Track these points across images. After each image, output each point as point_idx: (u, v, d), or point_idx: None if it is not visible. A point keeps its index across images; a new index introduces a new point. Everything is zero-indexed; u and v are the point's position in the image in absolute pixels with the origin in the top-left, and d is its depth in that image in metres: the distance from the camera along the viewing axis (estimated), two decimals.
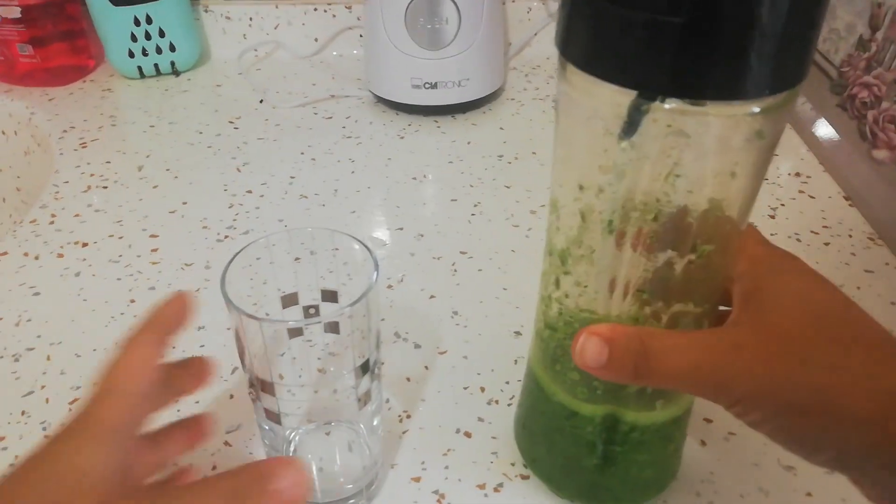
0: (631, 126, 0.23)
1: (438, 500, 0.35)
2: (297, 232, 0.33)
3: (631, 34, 0.21)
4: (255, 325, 0.28)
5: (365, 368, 0.31)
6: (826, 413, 0.23)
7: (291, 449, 0.36)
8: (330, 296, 0.34)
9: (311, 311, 0.34)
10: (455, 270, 0.51)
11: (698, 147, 0.23)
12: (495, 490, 0.36)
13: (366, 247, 0.31)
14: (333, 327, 0.30)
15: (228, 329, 0.45)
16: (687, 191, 0.25)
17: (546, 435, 0.34)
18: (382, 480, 0.36)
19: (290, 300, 0.34)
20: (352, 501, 0.35)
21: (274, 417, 0.31)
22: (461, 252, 0.53)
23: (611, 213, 0.26)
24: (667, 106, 0.22)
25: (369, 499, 0.35)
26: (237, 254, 0.31)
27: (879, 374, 0.23)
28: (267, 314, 0.33)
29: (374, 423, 0.34)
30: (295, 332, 0.32)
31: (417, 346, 0.44)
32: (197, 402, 0.40)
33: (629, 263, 0.27)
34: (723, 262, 0.27)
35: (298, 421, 0.35)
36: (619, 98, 0.23)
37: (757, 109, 0.22)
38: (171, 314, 0.30)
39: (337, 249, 0.33)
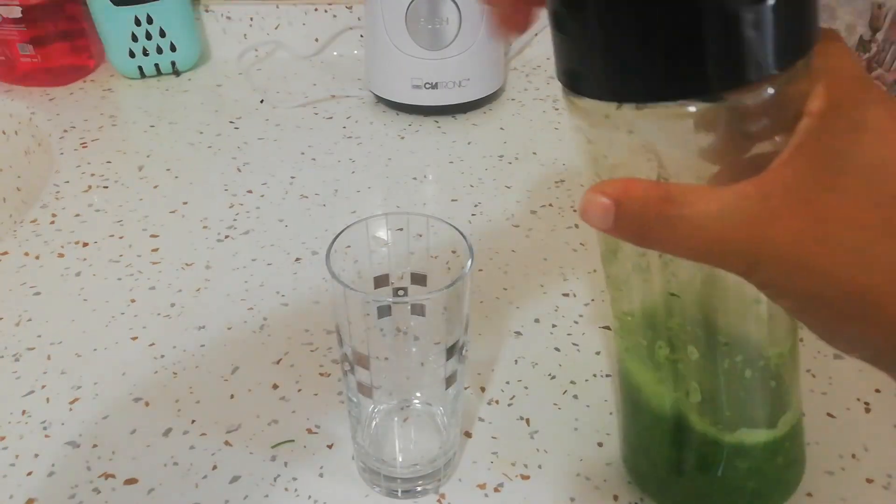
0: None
1: (439, 500, 0.35)
2: (393, 216, 0.34)
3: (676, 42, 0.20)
4: (357, 299, 0.30)
5: (452, 351, 0.32)
6: (865, 317, 0.20)
7: (374, 423, 0.37)
8: (420, 279, 0.35)
9: (400, 292, 0.35)
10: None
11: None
12: (495, 490, 0.36)
13: (461, 233, 0.33)
14: (420, 310, 0.32)
15: (229, 329, 0.45)
16: None
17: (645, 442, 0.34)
18: (457, 463, 0.37)
19: (381, 281, 0.35)
20: (426, 481, 0.36)
21: (365, 391, 0.33)
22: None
23: None
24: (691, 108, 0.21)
25: (446, 478, 0.36)
26: (339, 234, 0.32)
27: None
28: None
29: (456, 406, 0.35)
30: (384, 311, 0.33)
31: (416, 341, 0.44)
32: (197, 402, 0.40)
33: None
34: None
35: (385, 397, 0.37)
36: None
37: (771, 90, 0.21)
38: None
39: (432, 235, 0.34)
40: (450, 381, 0.33)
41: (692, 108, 0.21)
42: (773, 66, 0.20)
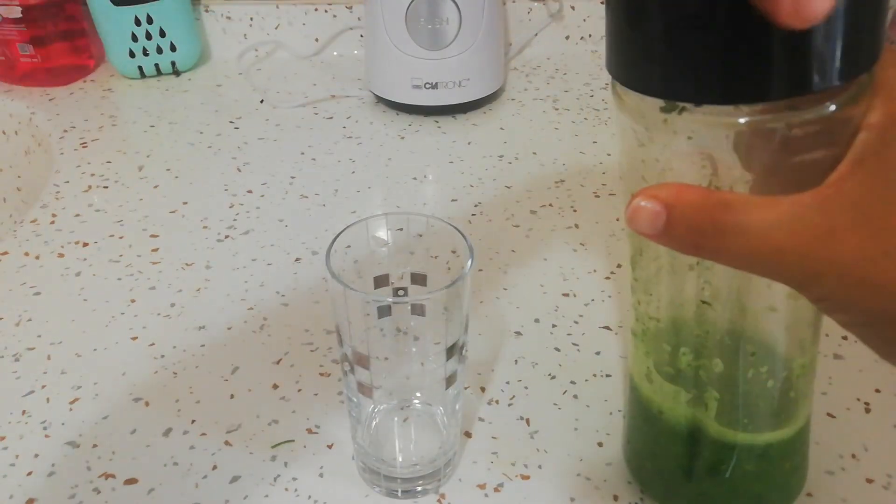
0: None
1: (439, 500, 0.35)
2: (393, 216, 0.35)
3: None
4: (357, 299, 0.30)
5: (453, 351, 0.32)
6: None
7: (374, 423, 0.37)
8: (419, 279, 0.35)
9: (400, 292, 0.36)
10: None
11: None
12: (495, 490, 0.36)
13: (461, 233, 0.33)
14: (420, 310, 0.32)
15: (229, 329, 0.45)
16: None
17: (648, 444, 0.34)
18: (457, 463, 0.37)
19: (381, 281, 0.35)
20: (426, 481, 0.36)
21: (365, 391, 0.33)
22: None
23: None
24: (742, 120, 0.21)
25: (446, 478, 0.36)
26: (339, 234, 0.33)
27: None
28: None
29: (456, 406, 0.35)
30: (384, 311, 0.33)
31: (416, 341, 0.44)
32: (197, 402, 0.40)
33: None
34: None
35: (385, 397, 0.37)
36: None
37: (833, 107, 0.20)
38: None
39: (432, 235, 0.34)
40: (450, 381, 0.33)
41: (749, 118, 0.21)
42: (837, 78, 0.20)
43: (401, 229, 0.35)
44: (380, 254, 0.35)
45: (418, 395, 0.38)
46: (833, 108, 0.20)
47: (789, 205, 0.20)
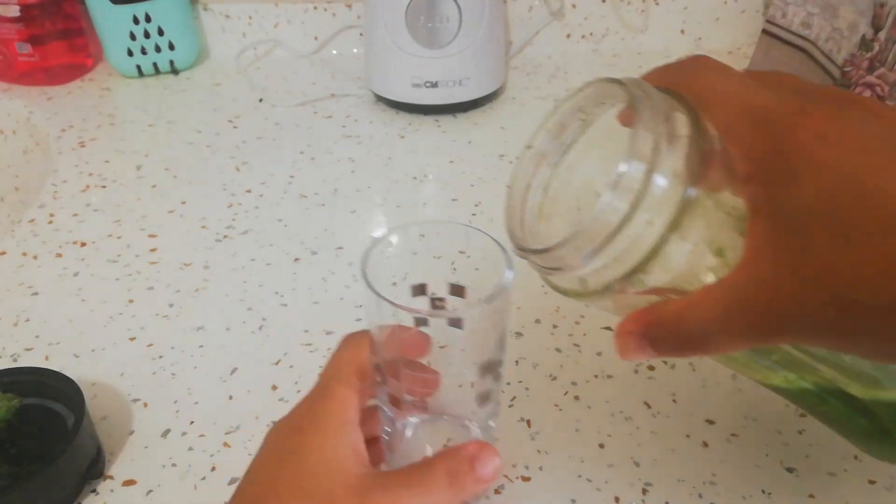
0: None
1: None
2: (432, 225, 0.34)
3: None
4: (390, 310, 0.28)
5: (487, 368, 0.31)
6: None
7: (407, 435, 0.36)
8: (457, 290, 0.34)
9: (438, 303, 0.35)
10: (454, 269, 0.51)
11: None
12: (496, 492, 0.36)
13: (501, 246, 0.32)
14: (457, 322, 0.31)
15: (228, 329, 0.45)
16: None
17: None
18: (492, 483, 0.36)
19: (419, 290, 0.34)
20: None
21: (396, 402, 0.32)
22: (460, 252, 0.52)
23: None
24: None
25: (476, 501, 0.35)
26: (377, 241, 0.31)
27: None
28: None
29: (490, 423, 0.34)
30: (420, 322, 0.32)
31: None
32: (196, 403, 0.40)
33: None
34: None
35: (417, 409, 0.36)
36: None
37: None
38: (406, 337, 0.31)
39: (470, 245, 0.33)
40: (484, 398, 0.32)
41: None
42: None
43: (438, 236, 0.33)
44: (418, 262, 0.34)
45: (452, 410, 0.36)
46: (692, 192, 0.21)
47: (726, 291, 0.21)
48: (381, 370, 0.31)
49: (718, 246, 0.23)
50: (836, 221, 0.19)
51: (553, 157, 0.28)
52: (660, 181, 0.22)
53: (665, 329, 0.23)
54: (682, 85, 0.23)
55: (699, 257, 0.23)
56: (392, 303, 0.28)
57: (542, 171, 0.29)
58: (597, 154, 0.28)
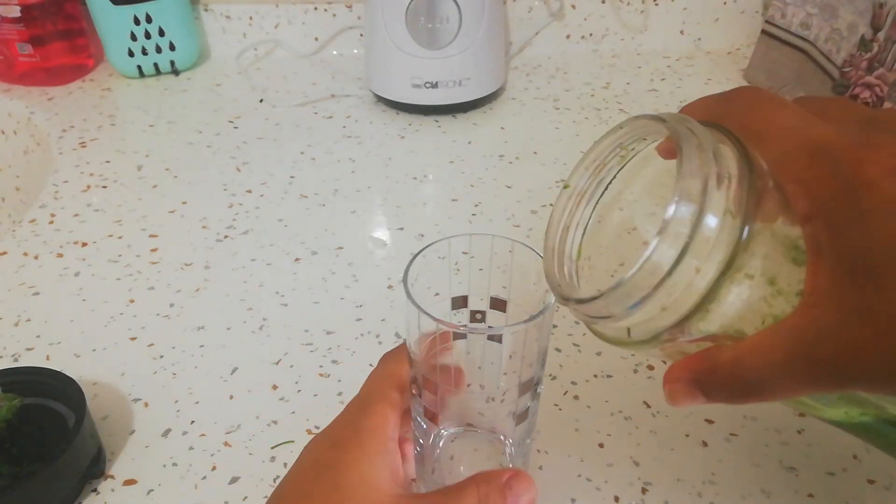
0: None
1: None
2: (477, 238, 0.33)
3: None
4: (431, 325, 0.28)
5: (527, 386, 0.30)
6: None
7: (438, 449, 0.35)
8: (499, 304, 0.34)
9: (478, 316, 0.34)
10: (458, 270, 0.51)
11: None
12: None
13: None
14: (497, 337, 0.30)
15: (229, 329, 0.45)
16: None
17: None
18: None
19: (459, 302, 0.34)
20: None
21: (431, 416, 0.31)
22: (463, 252, 0.53)
23: None
24: None
25: None
26: (419, 252, 0.31)
27: None
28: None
29: (527, 441, 0.33)
30: (459, 336, 0.31)
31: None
32: (196, 403, 0.40)
33: None
34: None
35: (452, 423, 0.35)
36: None
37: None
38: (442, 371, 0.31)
39: (515, 258, 0.32)
40: (521, 418, 0.31)
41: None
42: None
43: (482, 249, 0.33)
44: (459, 274, 0.33)
45: (488, 427, 0.36)
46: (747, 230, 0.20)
47: (786, 336, 0.20)
48: (418, 383, 0.31)
49: (775, 280, 0.22)
50: None
51: (592, 196, 0.27)
52: (710, 225, 0.20)
53: (719, 377, 0.22)
54: (731, 118, 0.22)
55: (755, 300, 0.22)
56: (432, 317, 0.27)
57: (581, 210, 0.28)
58: (638, 189, 0.27)
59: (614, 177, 0.26)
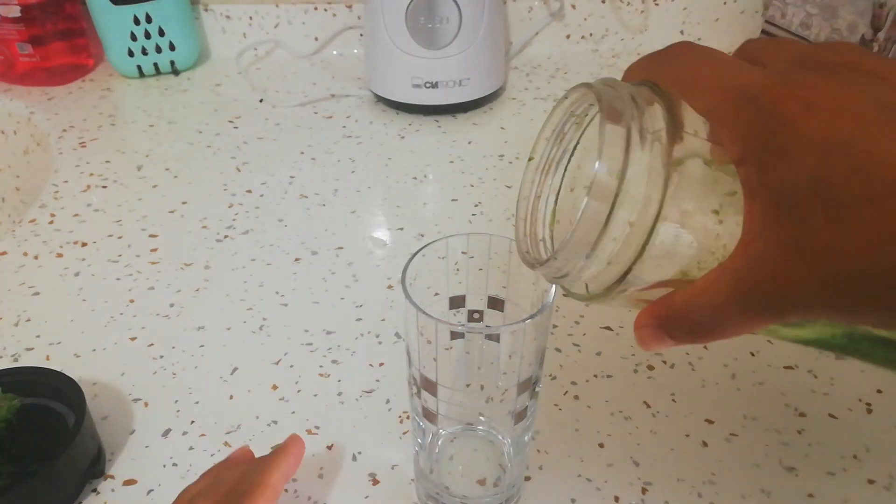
0: None
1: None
2: (475, 237, 0.33)
3: None
4: (429, 324, 0.28)
5: (526, 386, 0.30)
6: None
7: (438, 446, 0.36)
8: (497, 304, 0.34)
9: (476, 315, 0.34)
10: (458, 270, 0.51)
11: None
12: (494, 485, 0.36)
13: None
14: (495, 336, 0.30)
15: (229, 329, 0.45)
16: None
17: None
18: (520, 498, 0.35)
19: (457, 302, 0.34)
20: None
21: (430, 416, 0.32)
22: (462, 252, 0.53)
23: None
24: None
25: None
26: (416, 252, 0.31)
27: None
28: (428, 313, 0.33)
29: (525, 439, 0.33)
30: (457, 335, 0.32)
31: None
32: (196, 403, 0.40)
33: None
34: None
35: (451, 423, 0.35)
36: None
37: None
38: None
39: (513, 258, 0.32)
40: (519, 416, 0.32)
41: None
42: None
43: (479, 249, 0.33)
44: (457, 274, 0.33)
45: (485, 425, 0.36)
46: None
47: (726, 276, 0.21)
48: (416, 382, 0.31)
49: (713, 226, 0.23)
50: (828, 195, 0.18)
51: (559, 164, 0.28)
52: (634, 179, 0.21)
53: (675, 320, 0.23)
54: (665, 74, 0.23)
55: (696, 247, 0.23)
56: (431, 316, 0.28)
57: (551, 178, 0.28)
58: (593, 154, 0.28)
59: (578, 143, 0.27)
